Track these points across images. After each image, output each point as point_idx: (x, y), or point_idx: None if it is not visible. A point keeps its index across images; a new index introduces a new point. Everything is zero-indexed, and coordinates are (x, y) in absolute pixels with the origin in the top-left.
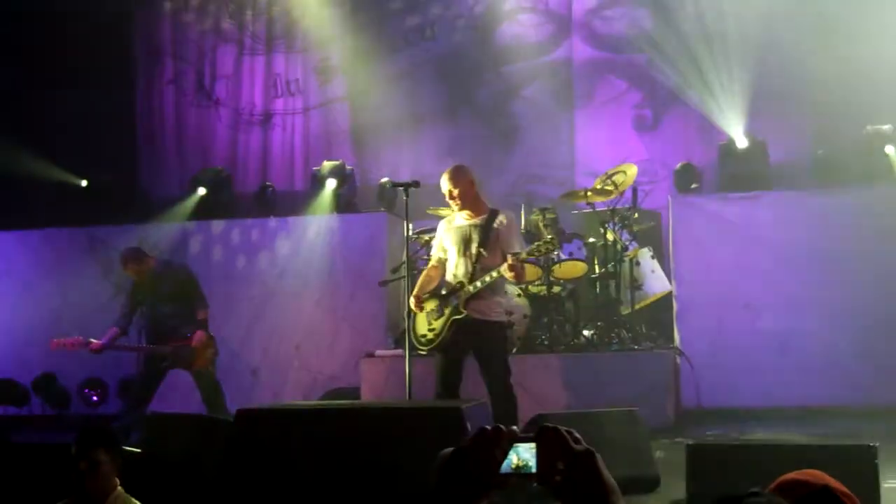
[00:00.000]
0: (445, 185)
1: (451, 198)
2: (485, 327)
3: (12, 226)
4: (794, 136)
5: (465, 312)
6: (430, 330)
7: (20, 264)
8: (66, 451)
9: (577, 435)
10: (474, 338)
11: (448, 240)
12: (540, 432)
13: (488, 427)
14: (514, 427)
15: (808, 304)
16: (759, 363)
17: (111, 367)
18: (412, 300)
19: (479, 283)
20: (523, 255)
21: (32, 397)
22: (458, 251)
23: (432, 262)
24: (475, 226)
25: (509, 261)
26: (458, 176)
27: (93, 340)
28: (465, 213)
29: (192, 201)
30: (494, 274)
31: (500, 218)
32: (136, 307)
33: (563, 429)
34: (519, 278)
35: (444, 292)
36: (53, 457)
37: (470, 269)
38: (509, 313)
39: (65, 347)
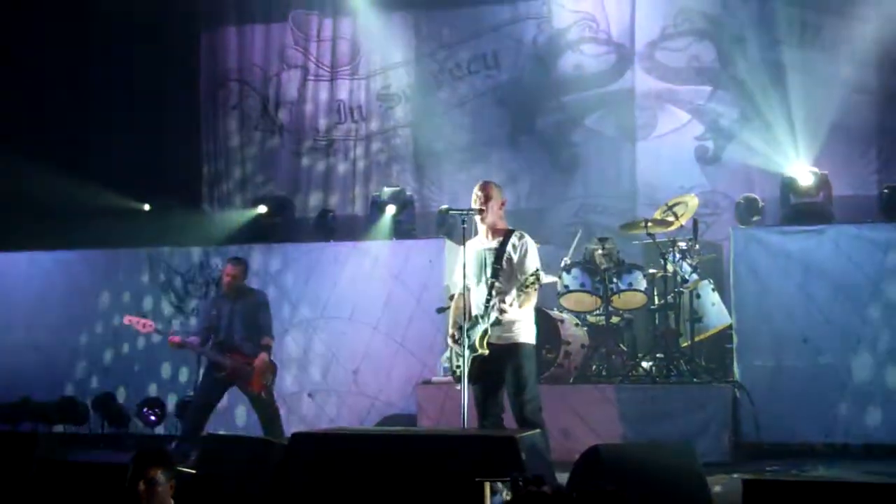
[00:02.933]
0: (478, 192)
1: (480, 204)
2: (503, 350)
3: (76, 244)
4: (858, 170)
5: (483, 350)
6: (457, 367)
7: (84, 283)
8: (124, 471)
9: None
10: (495, 363)
11: (469, 266)
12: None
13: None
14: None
15: (869, 340)
16: (820, 398)
17: (169, 387)
18: (450, 339)
19: (489, 321)
20: (512, 290)
21: (91, 416)
22: (477, 278)
23: (459, 291)
24: (490, 249)
25: (494, 294)
26: (491, 188)
27: (176, 336)
28: (485, 231)
29: (249, 215)
30: (495, 313)
31: (513, 240)
32: (213, 322)
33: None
34: (502, 313)
35: (465, 325)
36: (111, 476)
37: (486, 297)
38: (566, 343)
39: (135, 326)
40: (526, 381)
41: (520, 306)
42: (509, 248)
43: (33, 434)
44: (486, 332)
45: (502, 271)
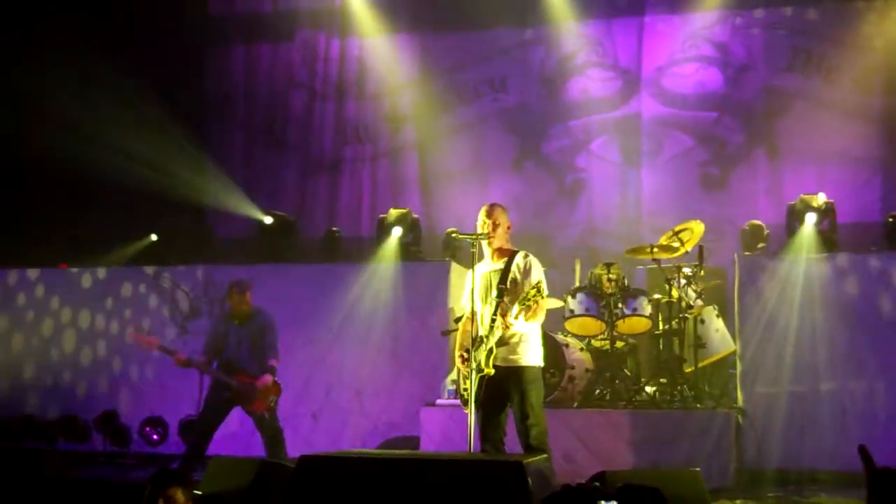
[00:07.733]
0: (485, 217)
1: (488, 230)
2: (509, 373)
3: (81, 263)
4: (862, 197)
5: (489, 369)
6: (464, 389)
7: (88, 300)
8: (130, 489)
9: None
10: (502, 387)
11: (477, 288)
12: (623, 490)
13: (572, 485)
14: (597, 483)
15: (872, 367)
16: (822, 424)
17: (172, 406)
18: (458, 360)
19: (493, 339)
20: (514, 306)
21: (94, 434)
22: (483, 299)
23: (466, 315)
24: (496, 271)
25: (499, 313)
26: (498, 213)
27: (180, 354)
28: (492, 254)
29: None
30: (499, 330)
31: (518, 259)
32: (219, 344)
33: (648, 487)
34: (507, 328)
35: (472, 348)
36: (117, 494)
37: (491, 317)
38: (570, 367)
39: (140, 343)
40: (532, 407)
41: (525, 321)
42: (514, 267)
43: (40, 451)
44: (491, 351)
45: (507, 291)
